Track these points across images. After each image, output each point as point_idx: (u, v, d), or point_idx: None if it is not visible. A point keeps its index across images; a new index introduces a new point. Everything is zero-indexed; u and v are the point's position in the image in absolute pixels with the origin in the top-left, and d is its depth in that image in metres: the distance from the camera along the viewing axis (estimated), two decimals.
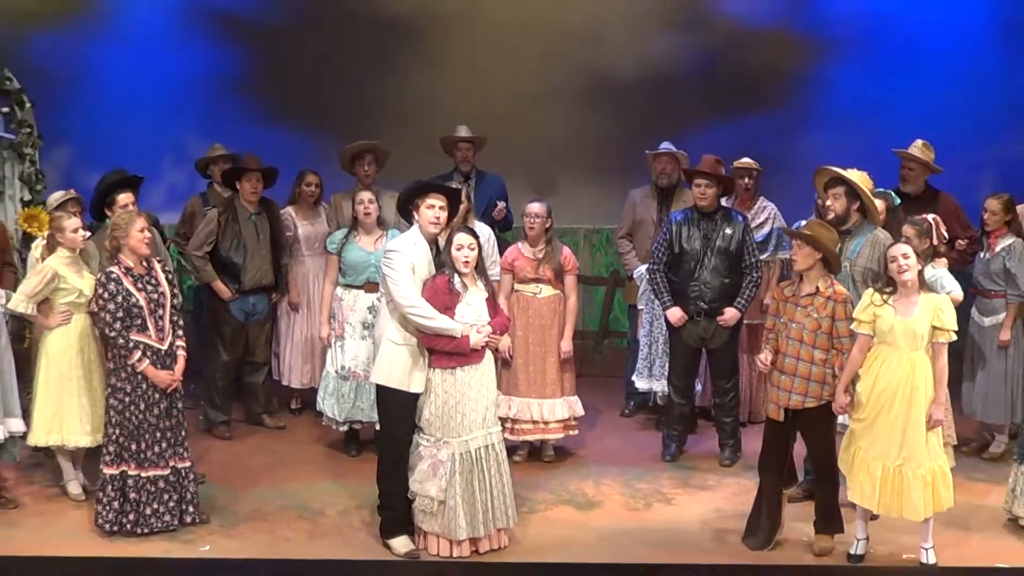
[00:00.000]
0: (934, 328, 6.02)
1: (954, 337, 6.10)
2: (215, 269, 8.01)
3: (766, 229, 8.16)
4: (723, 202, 7.66)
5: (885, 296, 6.09)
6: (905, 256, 6.03)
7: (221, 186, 8.41)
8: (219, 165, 8.47)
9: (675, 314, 7.52)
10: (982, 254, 7.64)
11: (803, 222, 6.73)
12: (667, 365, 7.87)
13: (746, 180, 8.16)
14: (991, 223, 7.55)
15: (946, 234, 7.07)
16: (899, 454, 6.06)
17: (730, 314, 7.46)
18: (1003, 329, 7.53)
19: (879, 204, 6.98)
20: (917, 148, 8.03)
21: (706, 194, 7.46)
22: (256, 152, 8.29)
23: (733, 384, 7.68)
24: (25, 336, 7.10)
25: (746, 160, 8.26)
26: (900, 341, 6.04)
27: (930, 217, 6.95)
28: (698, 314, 7.47)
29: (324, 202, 8.60)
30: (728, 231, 7.48)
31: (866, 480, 6.16)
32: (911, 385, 6.04)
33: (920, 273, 6.07)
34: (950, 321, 6.04)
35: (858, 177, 6.92)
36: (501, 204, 8.52)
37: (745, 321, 7.70)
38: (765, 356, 6.36)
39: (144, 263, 6.52)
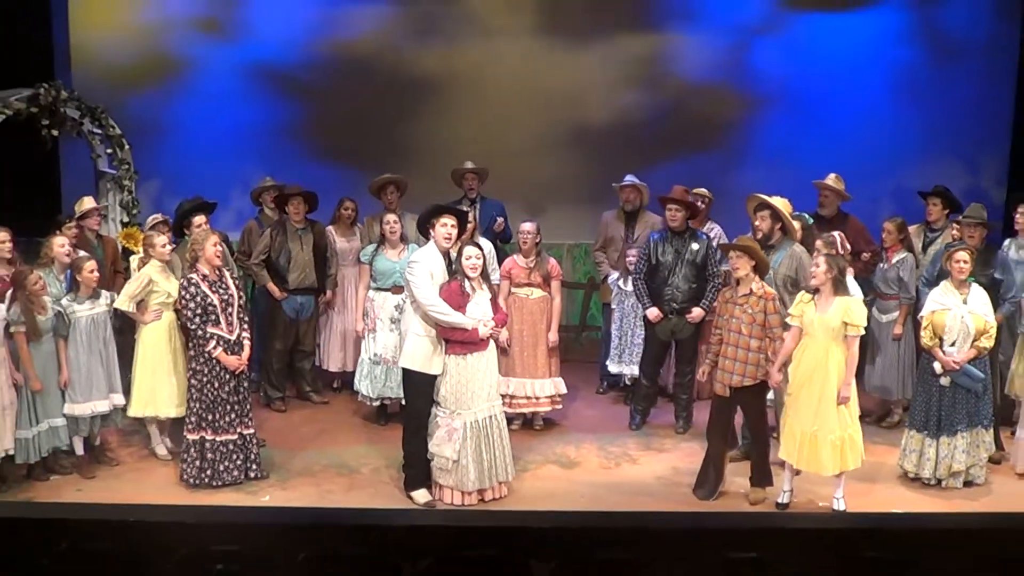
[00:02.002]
0: (844, 323, 6.05)
1: (862, 332, 6.13)
2: (269, 274, 8.01)
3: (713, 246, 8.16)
4: (689, 224, 7.66)
5: (811, 295, 6.16)
6: (816, 266, 6.13)
7: (272, 210, 8.38)
8: (269, 193, 8.43)
9: (653, 312, 7.51)
10: (881, 265, 7.67)
11: None
12: (635, 354, 7.88)
13: (699, 204, 8.15)
14: (888, 241, 7.59)
15: (849, 246, 7.10)
16: (814, 422, 6.10)
17: (696, 312, 7.45)
18: (896, 324, 7.56)
19: (796, 224, 7.01)
20: (831, 180, 8.05)
21: (676, 217, 7.48)
22: (305, 184, 8.28)
23: (692, 368, 7.66)
24: (127, 329, 7.10)
25: (703, 190, 8.28)
26: (818, 332, 6.09)
27: (835, 233, 7.02)
28: (671, 312, 7.48)
29: (359, 223, 8.59)
30: (695, 247, 7.48)
31: (791, 442, 6.21)
32: (826, 368, 6.07)
33: (835, 279, 6.10)
34: (859, 319, 6.07)
35: (780, 203, 6.96)
36: (500, 219, 8.54)
37: (707, 318, 7.69)
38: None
39: (217, 271, 6.54)
